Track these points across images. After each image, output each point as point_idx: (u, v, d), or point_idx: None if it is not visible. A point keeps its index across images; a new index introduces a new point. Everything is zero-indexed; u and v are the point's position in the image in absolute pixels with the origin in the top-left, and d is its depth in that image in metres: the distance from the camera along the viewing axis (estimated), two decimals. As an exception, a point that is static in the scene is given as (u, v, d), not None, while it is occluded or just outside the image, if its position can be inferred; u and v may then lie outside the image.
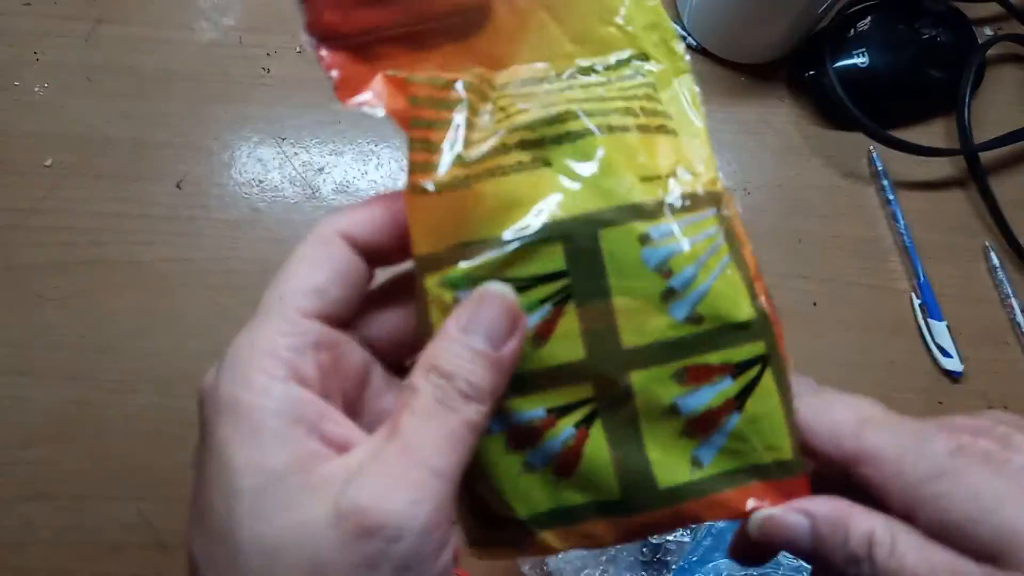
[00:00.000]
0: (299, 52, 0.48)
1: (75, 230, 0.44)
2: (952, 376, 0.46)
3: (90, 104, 0.47)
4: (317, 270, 0.19)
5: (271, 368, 0.18)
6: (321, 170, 0.46)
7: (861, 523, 0.19)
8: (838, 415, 0.20)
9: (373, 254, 0.20)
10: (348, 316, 0.20)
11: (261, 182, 0.46)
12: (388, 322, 0.21)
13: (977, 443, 0.19)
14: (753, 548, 0.21)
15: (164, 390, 0.41)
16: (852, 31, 0.50)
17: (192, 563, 0.18)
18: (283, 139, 0.47)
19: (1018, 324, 0.47)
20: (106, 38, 0.48)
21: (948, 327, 0.46)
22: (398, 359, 0.21)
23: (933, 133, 0.51)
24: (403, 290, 0.21)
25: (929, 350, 0.46)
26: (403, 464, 0.17)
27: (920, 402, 0.46)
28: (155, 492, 0.40)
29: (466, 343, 0.18)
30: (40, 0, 0.48)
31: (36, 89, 0.47)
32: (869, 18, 0.51)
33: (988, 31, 0.53)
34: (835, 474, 0.20)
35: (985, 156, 0.50)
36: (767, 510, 0.20)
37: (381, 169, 0.47)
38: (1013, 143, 0.49)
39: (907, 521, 0.19)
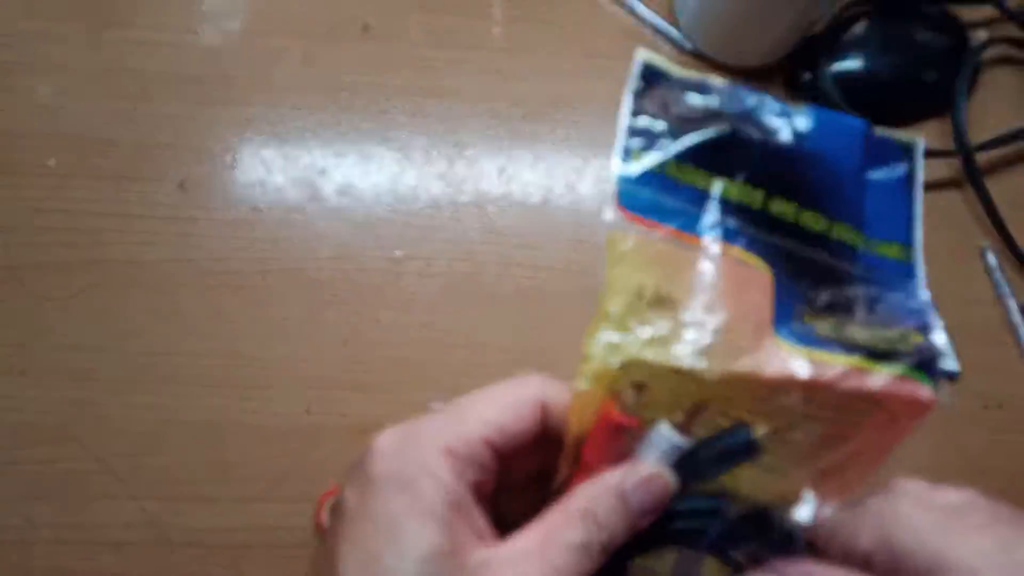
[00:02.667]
0: (302, 56, 0.49)
1: (77, 230, 0.44)
2: (949, 377, 0.46)
3: (92, 105, 0.47)
4: (513, 417, 0.23)
5: (449, 464, 0.22)
6: (323, 172, 0.47)
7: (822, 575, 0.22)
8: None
9: (550, 427, 0.24)
10: (507, 458, 0.24)
11: (263, 183, 0.46)
12: (520, 474, 0.24)
13: (908, 486, 0.23)
14: None
15: (165, 389, 0.42)
16: (848, 34, 0.51)
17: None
18: (285, 141, 0.47)
19: (1015, 324, 0.47)
20: (109, 40, 0.49)
21: (945, 328, 0.46)
22: (503, 499, 0.25)
23: (929, 135, 0.51)
24: (537, 457, 0.24)
25: (927, 350, 0.47)
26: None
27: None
28: (156, 491, 0.40)
29: (628, 502, 0.22)
30: (43, 2, 0.48)
31: (39, 90, 0.47)
32: (864, 21, 0.51)
33: (982, 34, 0.53)
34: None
35: (981, 157, 0.50)
36: (751, 572, 0.23)
37: (382, 171, 0.47)
38: (1009, 144, 0.50)
39: (868, 571, 0.22)
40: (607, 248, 0.22)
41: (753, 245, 0.23)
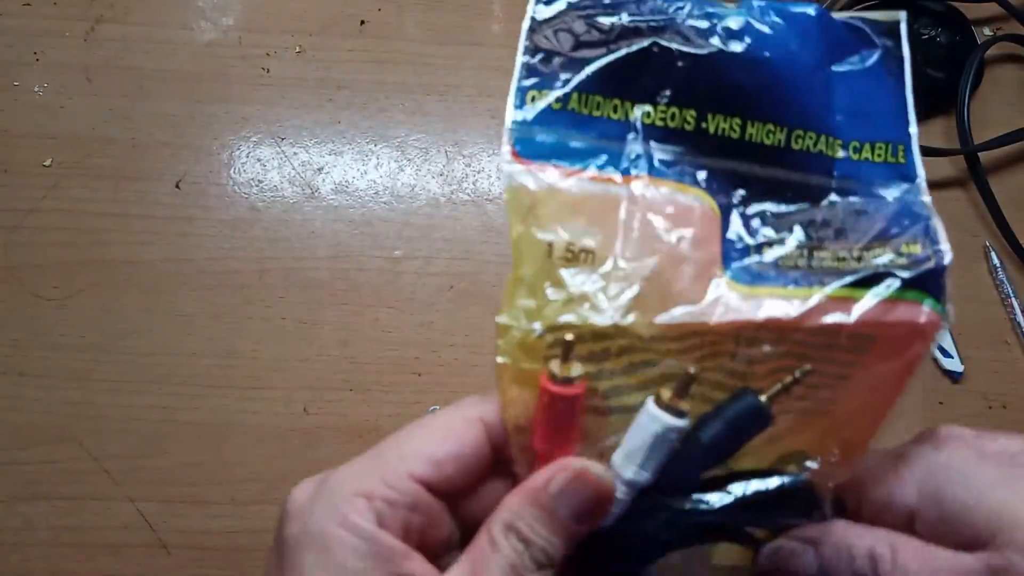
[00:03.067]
0: (299, 52, 0.48)
1: (74, 230, 0.44)
2: (952, 377, 0.46)
3: (89, 104, 0.47)
4: (444, 443, 0.20)
5: (363, 509, 0.19)
6: (320, 170, 0.46)
7: (861, 541, 0.19)
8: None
9: (503, 446, 0.21)
10: (454, 493, 0.21)
11: (260, 182, 0.46)
12: (485, 508, 0.21)
13: (953, 431, 0.20)
14: None
15: (162, 390, 0.41)
16: (852, 31, 0.50)
17: None
18: (282, 139, 0.47)
19: (1018, 324, 0.47)
20: (105, 38, 0.48)
21: (948, 327, 0.46)
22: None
23: (932, 133, 0.51)
24: (507, 486, 0.21)
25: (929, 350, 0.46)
26: None
27: (921, 402, 0.46)
28: (154, 493, 0.40)
29: (553, 512, 0.19)
30: (40, 0, 0.48)
31: (35, 89, 0.47)
32: (869, 18, 0.51)
33: (987, 31, 0.53)
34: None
35: (985, 156, 0.50)
36: (776, 542, 0.21)
37: (380, 169, 0.47)
38: (1013, 143, 0.49)
39: (909, 531, 0.19)
40: (508, 205, 0.19)
41: (689, 175, 0.19)
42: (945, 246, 0.19)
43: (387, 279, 0.44)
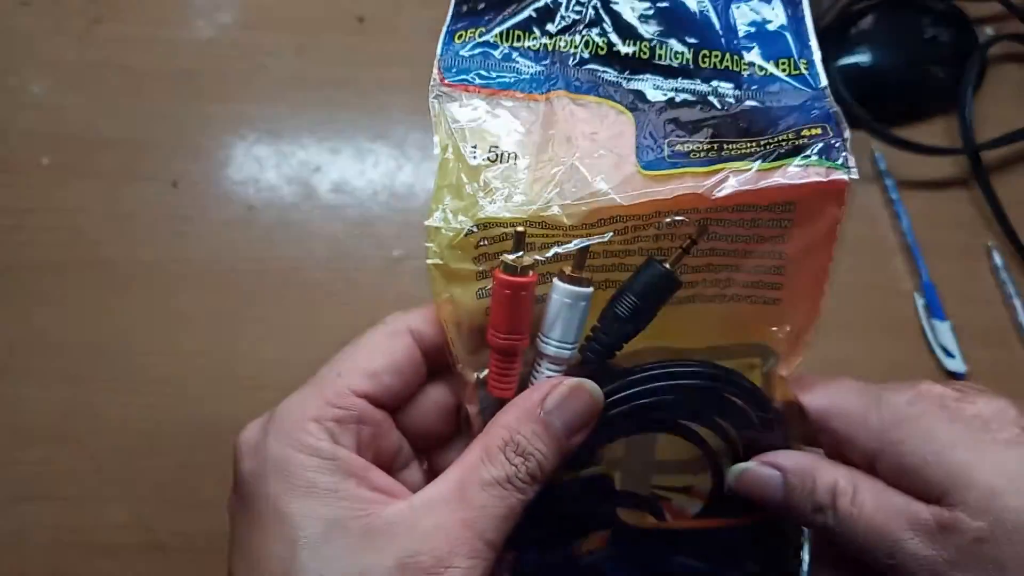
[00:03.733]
0: (296, 50, 0.48)
1: (71, 229, 0.44)
2: (955, 377, 0.46)
3: (87, 103, 0.47)
4: (378, 357, 0.21)
5: (316, 432, 0.20)
6: (318, 169, 0.46)
7: (826, 474, 0.20)
8: (813, 382, 0.22)
9: (436, 354, 0.22)
10: (395, 403, 0.22)
11: (257, 181, 0.46)
12: (426, 415, 0.23)
13: (934, 389, 0.21)
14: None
15: (160, 390, 0.41)
16: (854, 29, 0.50)
17: None
18: (280, 138, 0.46)
19: (1021, 324, 0.47)
20: (103, 37, 0.48)
21: (951, 327, 0.46)
22: (425, 447, 0.24)
23: (935, 132, 0.51)
24: (444, 391, 0.23)
25: (932, 351, 0.46)
26: (465, 533, 0.19)
27: (922, 403, 0.46)
28: (152, 493, 0.40)
29: (549, 425, 0.20)
30: (38, 0, 0.48)
31: (33, 88, 0.47)
32: (871, 16, 0.50)
33: (989, 30, 0.53)
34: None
35: (987, 155, 0.49)
36: (743, 464, 0.22)
37: (378, 168, 0.47)
38: (1015, 142, 0.49)
39: (870, 472, 0.20)
40: (435, 121, 0.21)
41: (604, 90, 0.22)
42: (844, 126, 0.21)
43: (386, 279, 0.44)
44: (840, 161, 0.20)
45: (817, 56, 0.23)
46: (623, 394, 0.21)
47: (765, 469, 0.22)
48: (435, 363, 0.23)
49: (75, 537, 0.39)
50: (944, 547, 0.19)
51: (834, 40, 0.49)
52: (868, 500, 0.20)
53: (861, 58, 0.49)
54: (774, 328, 0.22)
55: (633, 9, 0.22)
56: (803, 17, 0.23)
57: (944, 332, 0.46)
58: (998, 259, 0.48)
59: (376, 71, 0.48)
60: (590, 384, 0.21)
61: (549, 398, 0.20)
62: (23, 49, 0.47)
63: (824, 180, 0.20)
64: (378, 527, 0.19)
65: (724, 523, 0.24)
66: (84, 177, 0.45)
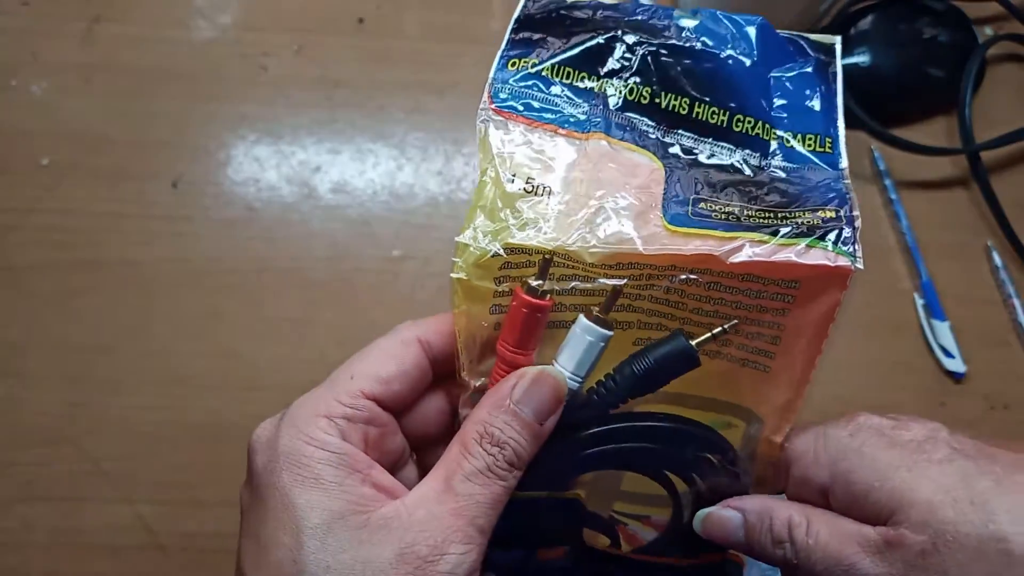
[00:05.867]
0: (296, 51, 0.48)
1: (71, 230, 0.44)
2: (954, 377, 0.46)
3: (87, 103, 0.47)
4: (389, 363, 0.23)
5: (326, 427, 0.21)
6: (318, 169, 0.46)
7: (781, 511, 0.22)
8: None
9: (441, 362, 0.24)
10: (402, 407, 0.23)
11: (257, 181, 0.46)
12: (427, 419, 0.24)
13: (871, 420, 0.22)
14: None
15: (160, 391, 0.41)
16: (854, 30, 0.50)
17: None
18: (280, 138, 0.46)
19: (1020, 324, 0.47)
20: (103, 37, 0.48)
21: (951, 327, 0.46)
22: (422, 447, 0.25)
23: (934, 132, 0.51)
24: (444, 398, 0.25)
25: (932, 351, 0.46)
26: (457, 522, 0.20)
27: (922, 403, 0.46)
28: (152, 494, 0.40)
29: (518, 414, 0.21)
30: (38, 0, 0.48)
31: (33, 88, 0.47)
32: (870, 17, 0.50)
33: (988, 30, 0.53)
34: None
35: (987, 155, 0.49)
36: (706, 509, 0.24)
37: (378, 168, 0.47)
38: (1014, 142, 0.49)
39: (825, 506, 0.22)
40: (480, 144, 0.23)
41: (641, 139, 0.23)
42: (856, 213, 0.22)
43: (386, 279, 0.44)
44: (849, 249, 0.21)
45: (842, 136, 0.24)
46: (607, 436, 0.23)
47: (727, 511, 0.23)
48: (440, 371, 0.24)
49: (75, 537, 0.39)
50: (892, 563, 0.20)
51: (834, 40, 0.49)
52: (822, 529, 0.21)
53: (861, 58, 0.49)
54: (763, 394, 0.23)
55: (680, 66, 0.23)
56: (835, 95, 0.25)
57: (944, 332, 0.46)
58: (997, 259, 0.48)
59: (376, 72, 0.48)
60: (552, 370, 0.22)
61: (516, 389, 0.21)
62: (23, 49, 0.47)
63: (831, 265, 0.21)
64: (376, 522, 0.20)
65: (674, 560, 0.25)
66: (84, 177, 0.45)
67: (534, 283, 0.21)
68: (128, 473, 0.40)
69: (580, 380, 0.22)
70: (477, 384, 0.23)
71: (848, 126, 0.53)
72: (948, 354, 0.46)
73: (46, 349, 0.42)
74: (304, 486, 0.20)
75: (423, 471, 0.24)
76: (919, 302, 0.47)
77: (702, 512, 0.24)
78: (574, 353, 0.22)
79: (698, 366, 0.22)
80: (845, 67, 0.49)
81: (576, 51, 0.24)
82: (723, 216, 0.22)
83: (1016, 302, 0.47)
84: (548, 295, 0.21)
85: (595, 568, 0.25)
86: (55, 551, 0.39)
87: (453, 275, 0.22)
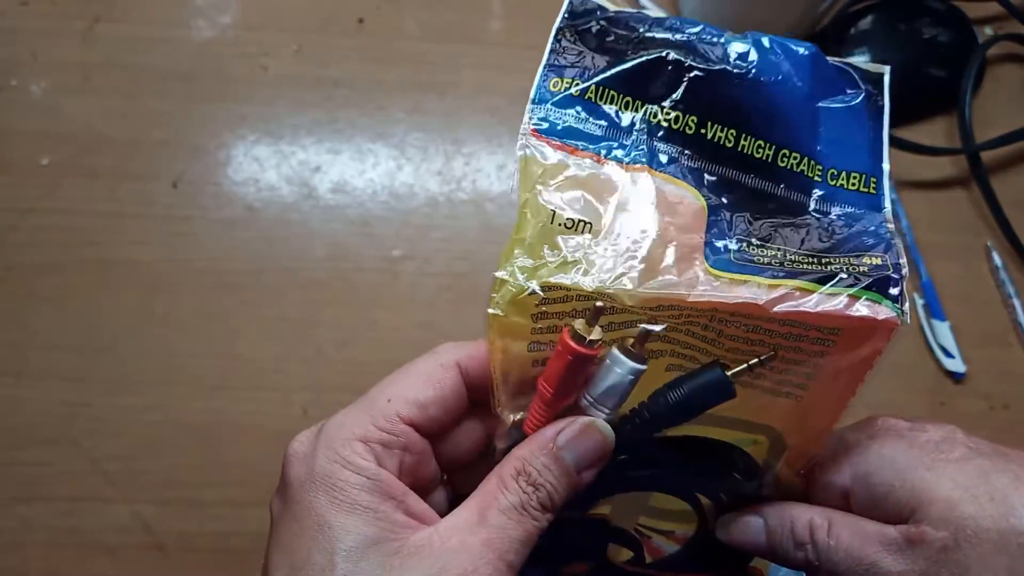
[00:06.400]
0: (296, 50, 0.48)
1: (71, 230, 0.44)
2: (954, 377, 0.46)
3: (87, 103, 0.47)
4: (427, 387, 0.23)
5: (363, 452, 0.21)
6: (318, 169, 0.46)
7: (802, 514, 0.23)
8: None
9: (478, 388, 0.23)
10: (438, 432, 0.23)
11: (257, 181, 0.46)
12: (461, 446, 0.24)
13: (888, 422, 0.23)
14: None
15: (160, 391, 0.41)
16: (853, 30, 0.50)
17: None
18: (280, 138, 0.46)
19: (1020, 324, 0.47)
20: (103, 37, 0.48)
21: (951, 327, 0.46)
22: (452, 471, 0.25)
23: (934, 132, 0.51)
24: (480, 426, 0.24)
25: (931, 351, 0.46)
26: (488, 554, 0.20)
27: (922, 403, 0.46)
28: (151, 494, 0.40)
29: (560, 460, 0.21)
30: (37, 0, 0.48)
31: (33, 88, 0.47)
32: (870, 17, 0.50)
33: (988, 31, 0.53)
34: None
35: (987, 155, 0.49)
36: (728, 515, 0.24)
37: (378, 168, 0.47)
38: (1014, 143, 0.49)
39: (845, 509, 0.22)
40: (520, 173, 0.22)
41: (685, 172, 0.22)
42: (903, 262, 0.21)
43: (386, 279, 0.44)
44: (896, 302, 0.20)
45: (887, 175, 0.23)
46: (638, 463, 0.23)
47: (748, 516, 0.24)
48: (476, 397, 0.24)
49: (75, 537, 0.39)
50: (915, 560, 0.20)
51: (834, 41, 0.49)
52: (843, 530, 0.22)
53: (860, 59, 0.49)
54: (791, 422, 0.23)
55: (729, 95, 0.22)
56: (882, 131, 0.23)
57: (943, 332, 0.46)
58: (997, 259, 0.48)
59: (376, 72, 0.48)
60: (601, 423, 0.22)
61: (562, 434, 0.21)
62: (23, 49, 0.47)
63: (877, 318, 0.20)
64: (409, 549, 0.20)
65: (695, 575, 0.25)
66: (84, 177, 0.45)
67: (580, 328, 0.20)
68: (128, 473, 0.40)
69: (608, 412, 0.22)
70: (515, 418, 0.23)
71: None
72: (948, 354, 0.46)
73: (46, 349, 0.42)
74: (340, 509, 0.21)
75: (454, 495, 0.24)
76: (919, 302, 0.47)
77: (724, 518, 0.24)
78: (606, 385, 0.21)
79: (733, 398, 0.22)
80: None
81: (621, 71, 0.22)
82: (766, 261, 0.21)
83: (1016, 302, 0.47)
84: (596, 344, 0.21)
85: None
86: (55, 551, 0.39)
87: (490, 311, 0.21)
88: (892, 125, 0.56)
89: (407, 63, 0.48)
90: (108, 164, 0.45)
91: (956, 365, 0.45)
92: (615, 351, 0.21)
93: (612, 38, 0.23)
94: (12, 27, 0.47)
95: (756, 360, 0.21)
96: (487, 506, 0.21)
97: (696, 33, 0.23)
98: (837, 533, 0.22)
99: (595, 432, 0.22)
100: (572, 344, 0.20)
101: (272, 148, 0.46)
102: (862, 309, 0.20)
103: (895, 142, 0.49)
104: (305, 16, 0.49)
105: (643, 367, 0.21)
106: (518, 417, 0.23)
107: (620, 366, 0.21)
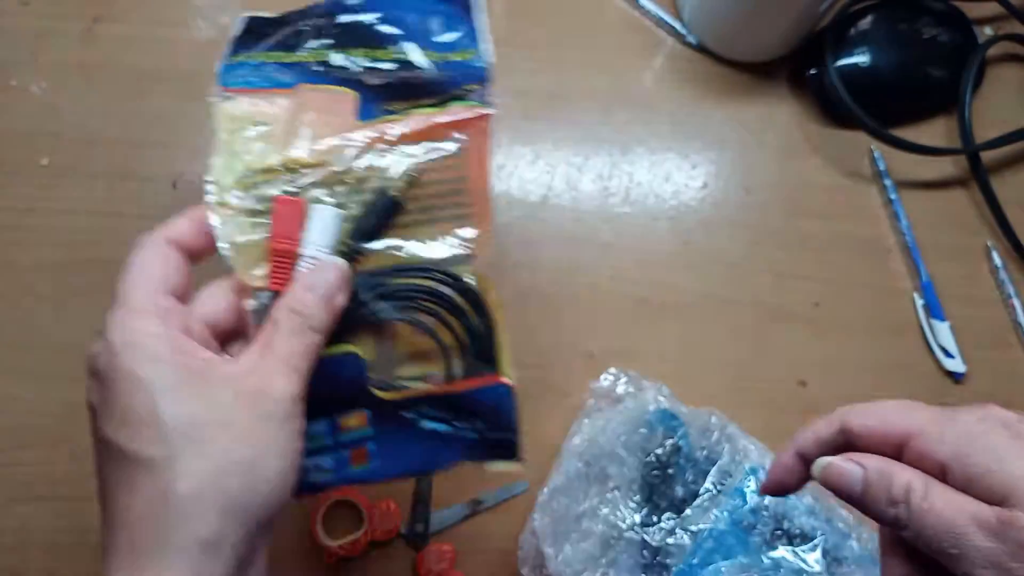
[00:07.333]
0: (297, 51, 0.48)
1: (71, 230, 0.44)
2: (955, 377, 0.46)
3: (87, 103, 0.47)
4: (160, 264, 0.27)
5: (150, 318, 0.25)
6: (319, 169, 0.46)
7: (902, 474, 0.24)
8: (888, 408, 0.26)
9: (190, 253, 0.29)
10: (183, 298, 0.28)
11: (259, 181, 0.46)
12: (220, 319, 0.29)
13: (999, 413, 0.24)
14: (780, 485, 0.27)
15: (160, 391, 0.41)
16: (853, 30, 0.50)
17: (113, 452, 0.25)
18: (281, 138, 0.46)
19: (1020, 324, 0.47)
20: (103, 37, 0.48)
21: (951, 327, 0.46)
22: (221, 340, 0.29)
23: (934, 132, 0.51)
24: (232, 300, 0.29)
25: (932, 351, 0.46)
26: (279, 365, 0.26)
27: (922, 402, 0.46)
28: (151, 494, 0.40)
29: (314, 290, 0.27)
30: (38, 0, 0.48)
31: (33, 88, 0.47)
32: (870, 17, 0.50)
33: (988, 30, 0.53)
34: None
35: (986, 155, 0.49)
36: (828, 458, 0.25)
37: (379, 168, 0.46)
38: (1014, 142, 0.49)
39: (941, 478, 0.24)
40: (214, 116, 0.30)
41: (338, 81, 0.31)
42: (492, 81, 0.31)
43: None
44: (487, 102, 0.30)
45: (485, 44, 0.33)
46: (377, 295, 0.29)
47: (848, 464, 0.25)
48: (194, 259, 0.29)
49: (75, 537, 0.39)
50: (1003, 541, 0.22)
51: (833, 41, 0.49)
52: (938, 498, 0.23)
53: (860, 59, 0.49)
54: (472, 235, 0.30)
55: (355, 29, 0.32)
56: (471, 18, 0.33)
57: (944, 332, 0.46)
58: (997, 259, 0.48)
59: (376, 71, 0.48)
60: (329, 257, 0.28)
61: (308, 276, 0.27)
62: (24, 49, 0.47)
63: (474, 116, 0.30)
64: (214, 378, 0.25)
65: (463, 386, 0.30)
66: (83, 177, 0.45)
67: (290, 189, 0.28)
68: (128, 473, 0.40)
69: (327, 249, 0.28)
70: (257, 282, 0.28)
71: (847, 126, 0.53)
72: (948, 354, 0.46)
73: (46, 349, 0.42)
74: (146, 362, 0.24)
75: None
76: (919, 302, 0.47)
77: (822, 460, 0.26)
78: (316, 228, 0.28)
79: (402, 208, 0.29)
80: (845, 67, 0.49)
81: (280, 39, 0.33)
82: (398, 111, 0.30)
83: (1016, 302, 0.47)
84: (299, 195, 0.29)
85: (398, 419, 0.29)
86: (55, 551, 0.39)
87: (208, 199, 0.28)
88: (892, 125, 0.56)
89: (407, 63, 0.48)
90: (108, 164, 0.45)
91: (956, 365, 0.45)
92: (318, 206, 0.28)
93: (274, 25, 0.33)
94: (12, 26, 0.47)
95: (407, 177, 0.29)
96: (269, 338, 0.26)
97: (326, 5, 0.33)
98: (933, 500, 0.23)
99: (328, 265, 0.27)
100: (286, 199, 0.28)
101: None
102: (464, 112, 0.30)
103: (895, 142, 0.49)
104: (305, 16, 0.48)
105: (341, 212, 0.29)
106: (259, 281, 0.28)
107: (320, 211, 0.28)
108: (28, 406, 0.41)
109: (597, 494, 0.37)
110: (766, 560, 0.36)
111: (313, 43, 0.33)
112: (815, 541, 0.36)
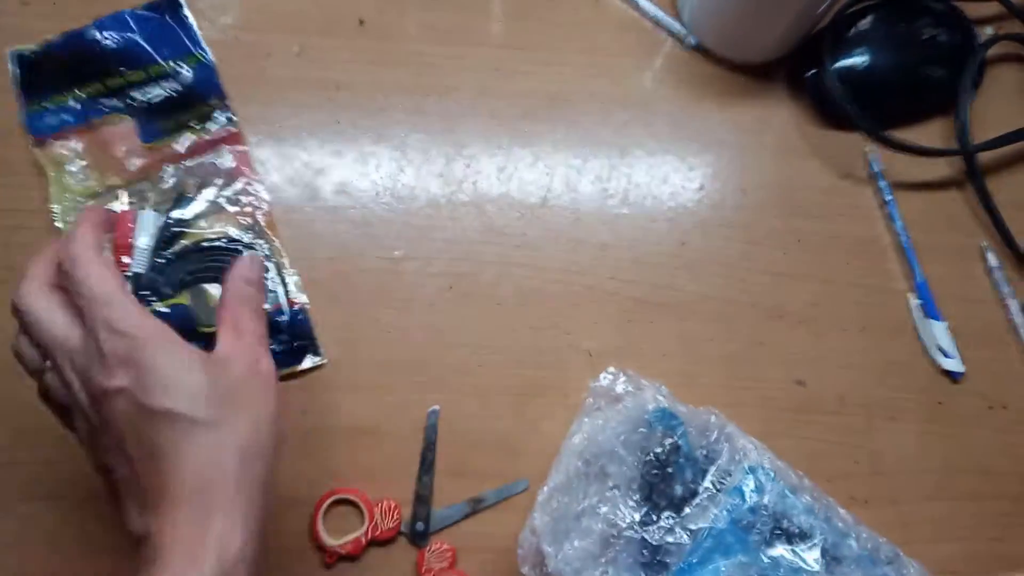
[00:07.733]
0: (297, 52, 0.48)
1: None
2: (952, 377, 0.46)
3: (88, 104, 0.47)
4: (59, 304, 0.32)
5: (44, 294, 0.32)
6: (321, 171, 0.46)
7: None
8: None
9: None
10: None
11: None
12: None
13: None
14: None
15: (162, 391, 0.41)
16: (853, 30, 0.50)
17: (167, 418, 0.29)
18: (282, 140, 0.46)
19: (1016, 324, 0.47)
20: (104, 38, 0.48)
21: (948, 327, 0.46)
22: None
23: (932, 133, 0.51)
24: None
25: (928, 351, 0.46)
26: (255, 344, 0.33)
27: (921, 403, 0.46)
28: (153, 493, 0.40)
29: (252, 287, 0.34)
30: (38, 0, 0.48)
31: (33, 89, 0.47)
32: (869, 17, 0.51)
33: (988, 30, 0.53)
34: None
35: (983, 156, 0.50)
36: None
37: (381, 170, 0.47)
38: (1011, 143, 0.49)
39: None
40: (42, 164, 0.43)
41: (114, 109, 0.44)
42: (227, 95, 0.45)
43: (387, 279, 0.44)
44: (230, 119, 0.44)
45: (205, 45, 0.45)
46: (187, 259, 0.41)
47: None
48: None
49: (75, 538, 0.39)
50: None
51: (832, 41, 0.49)
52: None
53: (859, 59, 0.50)
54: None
55: (103, 60, 0.44)
56: (188, 22, 0.46)
57: (941, 332, 0.46)
58: (993, 260, 0.48)
59: (377, 74, 0.48)
60: (255, 254, 0.40)
61: (244, 269, 0.35)
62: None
63: (226, 135, 0.44)
64: (215, 357, 0.31)
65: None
66: (85, 178, 0.45)
67: (116, 207, 0.42)
68: (130, 473, 0.40)
69: (148, 241, 0.37)
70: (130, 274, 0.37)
71: (845, 128, 0.53)
72: (946, 354, 0.46)
73: (47, 349, 0.42)
74: (175, 345, 0.30)
75: None
76: (915, 302, 0.47)
77: None
78: (146, 229, 0.37)
79: (167, 226, 0.42)
80: (844, 68, 0.49)
81: (55, 81, 0.44)
82: (169, 126, 0.44)
83: (1011, 302, 0.47)
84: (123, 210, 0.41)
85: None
86: (56, 551, 0.39)
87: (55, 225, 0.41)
88: (892, 125, 0.57)
89: (408, 65, 0.49)
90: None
91: (954, 365, 0.46)
92: (143, 212, 0.40)
93: (50, 67, 0.45)
94: (13, 26, 0.47)
95: (175, 198, 0.42)
96: (235, 323, 0.32)
97: (94, 31, 0.45)
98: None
99: (255, 258, 0.35)
100: (111, 211, 0.38)
101: (274, 150, 0.46)
102: (218, 134, 0.44)
103: (891, 143, 0.49)
104: (306, 18, 0.49)
105: (162, 218, 0.42)
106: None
107: (144, 215, 0.38)
108: (29, 406, 0.41)
109: (596, 493, 0.37)
110: (765, 559, 0.36)
111: (85, 80, 0.43)
112: (814, 540, 0.37)
